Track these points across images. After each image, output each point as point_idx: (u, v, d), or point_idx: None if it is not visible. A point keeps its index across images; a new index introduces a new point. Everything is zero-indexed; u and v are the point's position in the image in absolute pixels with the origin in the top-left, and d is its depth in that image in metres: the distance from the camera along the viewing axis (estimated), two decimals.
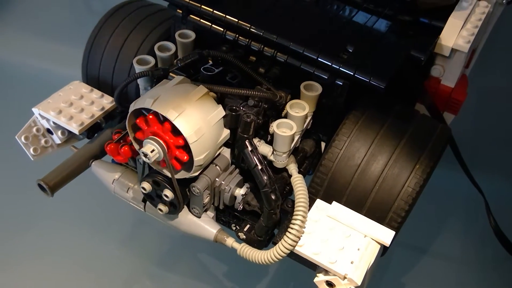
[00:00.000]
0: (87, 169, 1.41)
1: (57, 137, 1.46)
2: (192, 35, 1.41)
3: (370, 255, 1.18)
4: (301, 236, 1.16)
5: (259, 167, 1.15)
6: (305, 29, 1.36)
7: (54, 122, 1.44)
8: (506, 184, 1.98)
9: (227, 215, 1.33)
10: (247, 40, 1.37)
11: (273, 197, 1.16)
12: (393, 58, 1.30)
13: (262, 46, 1.36)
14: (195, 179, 1.20)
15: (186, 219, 1.28)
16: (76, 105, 1.44)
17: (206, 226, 1.28)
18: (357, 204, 1.25)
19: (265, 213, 1.20)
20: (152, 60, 1.34)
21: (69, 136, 1.48)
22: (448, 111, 1.56)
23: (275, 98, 1.23)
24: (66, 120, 1.40)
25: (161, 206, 1.23)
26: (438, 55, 1.45)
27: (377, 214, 1.24)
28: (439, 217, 1.86)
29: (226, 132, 1.18)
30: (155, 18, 1.59)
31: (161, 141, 1.10)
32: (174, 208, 1.23)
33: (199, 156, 1.10)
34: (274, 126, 1.20)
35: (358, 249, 1.18)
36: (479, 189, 1.65)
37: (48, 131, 1.47)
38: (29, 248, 1.80)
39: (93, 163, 1.40)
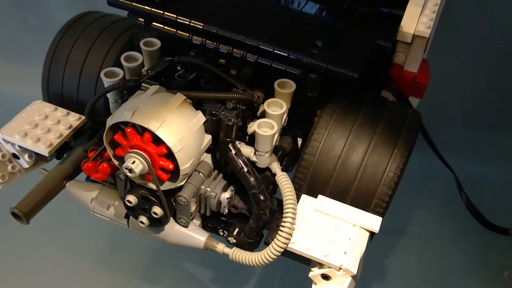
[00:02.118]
0: (61, 190, 1.36)
1: (24, 161, 1.40)
2: (157, 43, 1.38)
3: (361, 243, 1.20)
4: (293, 233, 1.16)
5: (245, 169, 1.15)
6: (271, 28, 1.36)
7: (20, 146, 1.37)
8: (473, 160, 2.07)
9: (213, 221, 1.32)
10: (215, 43, 1.36)
11: (261, 197, 1.15)
12: (361, 49, 1.32)
13: (231, 48, 1.35)
14: (180, 188, 1.17)
15: (173, 230, 1.26)
16: (41, 125, 1.38)
17: (194, 234, 1.26)
18: (341, 194, 1.27)
19: (255, 215, 1.19)
20: (120, 72, 1.30)
21: (37, 159, 1.42)
22: (413, 96, 1.61)
23: (253, 99, 1.23)
24: (33, 143, 1.34)
25: (143, 218, 1.20)
26: (399, 42, 1.49)
27: (362, 202, 1.26)
28: (414, 198, 1.91)
29: (208, 138, 1.16)
30: (115, 28, 1.54)
31: (143, 153, 1.07)
32: (159, 221, 1.20)
33: (185, 165, 1.08)
34: (255, 126, 1.20)
35: (349, 239, 1.20)
36: (450, 167, 1.71)
37: (14, 155, 1.40)
38: (8, 272, 1.74)
39: (67, 184, 1.34)
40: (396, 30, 1.41)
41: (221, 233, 1.32)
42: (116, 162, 1.16)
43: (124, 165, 1.06)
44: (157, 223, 1.21)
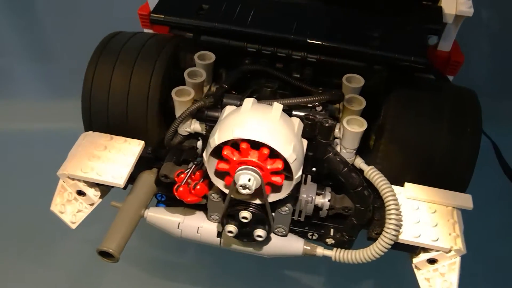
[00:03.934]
0: (139, 220, 1.29)
1: (90, 196, 1.32)
2: (212, 55, 1.34)
3: (459, 223, 1.23)
4: (401, 223, 1.17)
5: (348, 169, 1.14)
6: (322, 25, 1.36)
7: (85, 182, 1.29)
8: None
9: (300, 226, 1.30)
10: (273, 48, 1.34)
11: (366, 194, 1.15)
12: (417, 34, 1.35)
13: (290, 50, 1.33)
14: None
15: (272, 241, 1.23)
16: (104, 157, 1.31)
17: (293, 242, 1.24)
18: (422, 178, 1.29)
19: (359, 212, 1.19)
20: (191, 90, 1.25)
21: (104, 192, 1.35)
22: (448, 74, 1.66)
23: (343, 98, 1.23)
24: (105, 176, 1.26)
25: (260, 232, 1.18)
26: None
27: (444, 183, 1.29)
28: None
29: (305, 142, 1.15)
30: (152, 46, 1.46)
31: (257, 169, 1.04)
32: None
33: (298, 174, 1.06)
34: (344, 124, 1.19)
35: (448, 220, 1.23)
36: (486, 135, 1.77)
37: (79, 192, 1.31)
38: None
39: (147, 212, 1.28)
40: (441, 12, 1.44)
41: (310, 237, 1.31)
42: (216, 181, 1.12)
43: (240, 182, 1.03)
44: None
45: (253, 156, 1.04)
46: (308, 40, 1.30)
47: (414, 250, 1.23)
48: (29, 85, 2.57)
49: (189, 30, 1.36)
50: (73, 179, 1.28)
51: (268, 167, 1.04)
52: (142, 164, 1.35)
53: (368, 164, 1.26)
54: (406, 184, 1.27)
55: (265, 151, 1.02)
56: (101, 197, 1.34)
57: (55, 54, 2.65)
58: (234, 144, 1.07)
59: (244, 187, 1.03)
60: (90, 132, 1.38)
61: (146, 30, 1.72)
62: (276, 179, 1.06)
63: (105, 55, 1.42)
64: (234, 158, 1.05)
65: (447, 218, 1.23)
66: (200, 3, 1.37)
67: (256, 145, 1.04)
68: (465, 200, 1.25)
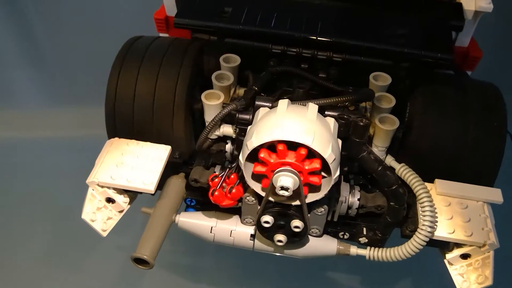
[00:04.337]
0: (171, 225, 1.29)
1: (119, 203, 1.31)
2: (237, 58, 1.34)
3: (490, 216, 1.24)
4: (436, 220, 1.17)
5: (383, 167, 1.14)
6: (347, 25, 1.36)
7: (115, 189, 1.29)
8: None
9: (332, 226, 1.30)
10: (298, 48, 1.34)
11: (401, 191, 1.16)
12: (442, 31, 1.35)
13: (316, 50, 1.33)
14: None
15: (306, 242, 1.23)
16: (132, 164, 1.30)
17: (327, 242, 1.24)
18: (451, 174, 1.30)
19: (393, 210, 1.19)
20: (221, 94, 1.25)
21: (132, 199, 1.34)
22: (466, 69, 1.67)
23: (373, 96, 1.23)
24: (134, 182, 1.26)
25: (280, 237, 1.18)
26: None
27: (472, 177, 1.30)
28: None
29: (340, 142, 1.15)
30: (175, 50, 1.45)
31: (295, 170, 1.04)
32: (298, 235, 1.18)
33: (336, 173, 1.06)
34: (376, 122, 1.20)
35: (480, 215, 1.23)
36: None
37: (108, 200, 1.31)
38: None
39: (178, 217, 1.28)
40: (461, 8, 1.45)
41: (341, 236, 1.32)
42: (253, 184, 1.12)
43: (279, 184, 1.03)
44: (295, 238, 1.19)
45: (291, 157, 1.04)
46: (333, 40, 1.30)
47: (446, 245, 1.24)
48: (26, 94, 2.56)
49: (213, 33, 1.35)
50: (102, 187, 1.27)
51: (306, 167, 1.04)
52: (169, 169, 1.34)
53: (398, 161, 1.26)
54: (436, 180, 1.28)
55: (303, 151, 1.02)
56: (129, 203, 1.34)
57: (49, 62, 2.66)
58: (269, 146, 1.07)
59: (284, 188, 1.03)
60: (116, 138, 1.38)
61: (161, 35, 1.71)
62: (314, 179, 1.06)
63: (128, 60, 1.41)
64: (271, 160, 1.04)
65: (479, 212, 1.24)
66: (222, 6, 1.37)
67: (292, 146, 1.04)
68: (495, 194, 1.26)
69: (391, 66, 1.32)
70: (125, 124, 1.39)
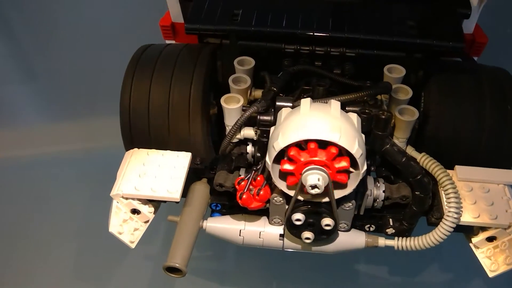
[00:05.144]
0: (199, 231, 1.30)
1: (145, 214, 1.32)
2: (251, 60, 1.35)
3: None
4: (461, 206, 1.19)
5: (406, 158, 1.16)
6: (358, 19, 1.37)
7: (139, 199, 1.29)
8: None
9: (359, 219, 1.32)
10: (311, 46, 1.35)
11: (426, 181, 1.17)
12: (452, 19, 1.37)
13: (329, 47, 1.34)
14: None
15: (335, 237, 1.25)
16: (155, 173, 1.31)
17: (355, 236, 1.26)
18: (468, 160, 1.32)
19: (418, 199, 1.21)
20: (240, 97, 1.26)
21: (157, 208, 1.35)
22: (473, 55, 1.69)
23: (391, 89, 1.24)
24: (159, 192, 1.26)
25: (307, 234, 1.19)
26: None
27: (492, 161, 1.32)
28: None
29: (363, 137, 1.16)
30: (186, 56, 1.46)
31: (324, 168, 1.05)
32: (327, 233, 1.19)
33: (364, 168, 1.08)
34: (396, 114, 1.21)
35: (502, 198, 1.25)
36: None
37: (133, 211, 1.31)
38: None
39: (206, 223, 1.29)
40: None
41: (368, 229, 1.33)
42: (280, 184, 1.13)
43: (310, 183, 1.04)
44: (324, 235, 1.20)
45: (321, 155, 1.05)
46: (346, 35, 1.31)
47: (471, 230, 1.26)
48: (20, 110, 2.54)
49: (225, 36, 1.36)
50: (127, 198, 1.28)
51: (336, 166, 1.05)
52: (191, 176, 1.35)
53: (418, 150, 1.28)
54: (456, 166, 1.30)
55: (333, 150, 1.03)
56: (154, 212, 1.34)
57: (41, 76, 2.65)
58: (296, 145, 1.08)
59: (314, 187, 1.04)
60: (135, 149, 1.38)
61: (168, 41, 1.71)
62: (341, 177, 1.07)
63: (140, 69, 1.41)
64: (302, 159, 1.06)
65: (501, 195, 1.26)
66: (232, 9, 1.37)
67: (321, 144, 1.05)
68: None
69: (404, 58, 1.33)
70: (142, 134, 1.40)
